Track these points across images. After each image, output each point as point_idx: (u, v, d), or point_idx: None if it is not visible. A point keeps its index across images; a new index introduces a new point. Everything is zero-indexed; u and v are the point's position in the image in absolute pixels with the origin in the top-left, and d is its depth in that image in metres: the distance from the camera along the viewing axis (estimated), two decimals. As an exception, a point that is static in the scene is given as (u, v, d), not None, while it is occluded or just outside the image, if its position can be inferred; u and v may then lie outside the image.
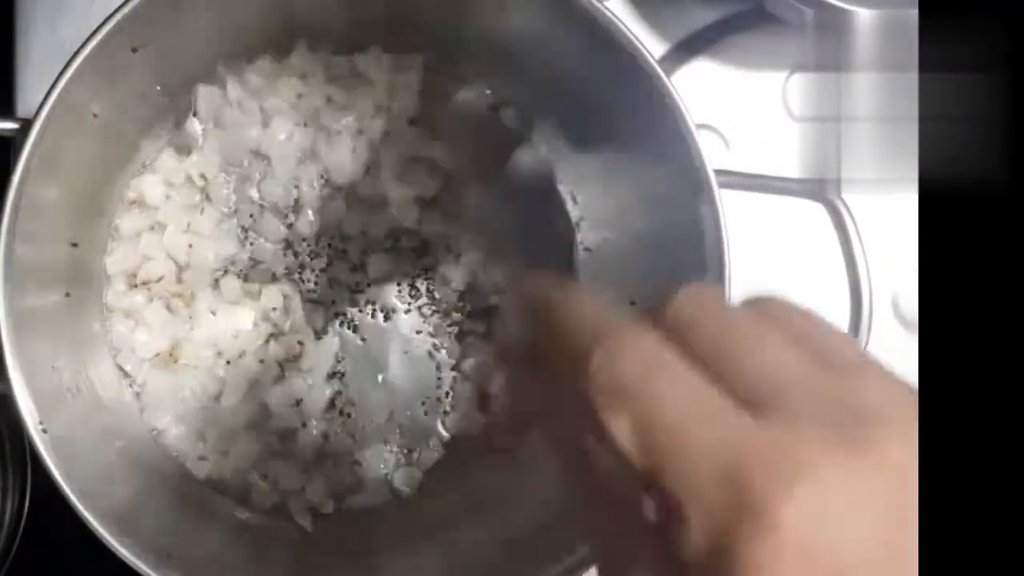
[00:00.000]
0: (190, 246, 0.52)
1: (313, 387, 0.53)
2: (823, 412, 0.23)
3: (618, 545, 0.25)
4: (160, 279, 0.52)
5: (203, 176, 0.52)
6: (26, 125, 0.41)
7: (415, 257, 0.54)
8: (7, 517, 0.52)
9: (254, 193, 0.53)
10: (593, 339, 0.24)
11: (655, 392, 0.23)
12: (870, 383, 0.24)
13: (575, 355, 0.24)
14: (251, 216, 0.53)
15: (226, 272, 0.53)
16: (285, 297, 0.53)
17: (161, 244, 0.52)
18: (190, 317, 0.52)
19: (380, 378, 0.54)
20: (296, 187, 0.53)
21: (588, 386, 0.24)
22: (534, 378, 0.28)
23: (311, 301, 0.53)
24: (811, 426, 0.22)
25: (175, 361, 0.52)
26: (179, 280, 0.52)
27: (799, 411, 0.23)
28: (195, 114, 0.52)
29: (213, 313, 0.52)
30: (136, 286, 0.51)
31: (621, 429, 0.23)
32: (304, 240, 0.53)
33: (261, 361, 0.52)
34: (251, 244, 0.53)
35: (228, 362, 0.52)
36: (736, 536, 0.21)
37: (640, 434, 0.23)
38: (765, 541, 0.21)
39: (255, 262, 0.53)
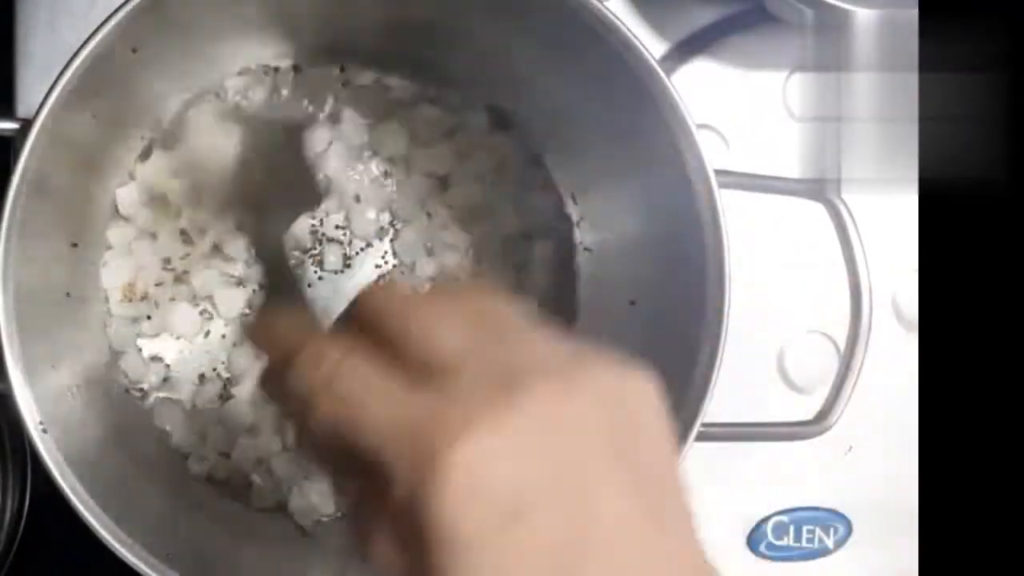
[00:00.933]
0: (183, 257, 0.52)
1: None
2: (482, 371, 0.27)
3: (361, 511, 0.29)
4: (159, 284, 0.52)
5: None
6: (26, 125, 0.41)
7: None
8: (7, 517, 0.52)
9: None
10: (289, 354, 0.29)
11: (337, 390, 0.28)
12: (526, 343, 0.28)
13: (280, 374, 0.29)
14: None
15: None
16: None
17: (153, 251, 0.52)
18: (191, 320, 0.52)
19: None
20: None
21: (297, 390, 0.29)
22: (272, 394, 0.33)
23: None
24: (472, 385, 0.26)
25: (176, 364, 0.52)
26: (176, 283, 0.52)
27: (462, 373, 0.27)
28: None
29: (213, 316, 0.52)
30: (133, 298, 0.51)
31: (322, 427, 0.28)
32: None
33: (257, 357, 0.52)
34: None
35: (228, 360, 0.52)
36: (422, 487, 0.25)
37: (336, 426, 0.27)
38: (440, 488, 0.25)
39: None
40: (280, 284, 0.47)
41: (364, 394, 0.27)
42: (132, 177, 0.51)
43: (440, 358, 0.27)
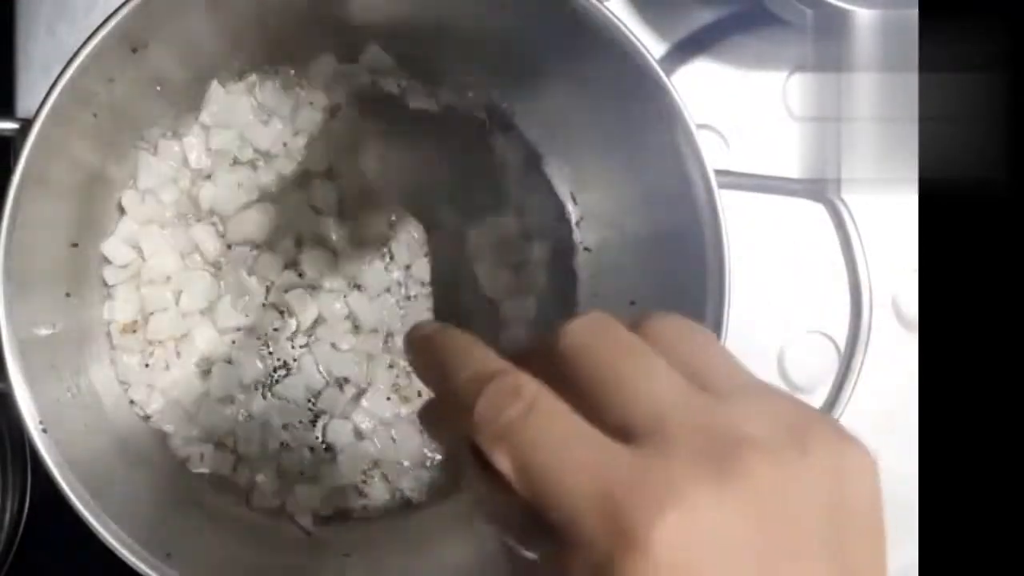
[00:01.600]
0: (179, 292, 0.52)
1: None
2: (695, 437, 0.24)
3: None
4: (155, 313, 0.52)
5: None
6: (26, 125, 0.41)
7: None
8: (7, 517, 0.52)
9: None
10: (477, 385, 0.26)
11: (531, 434, 0.25)
12: (745, 406, 0.25)
13: (462, 403, 0.26)
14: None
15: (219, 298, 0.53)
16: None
17: (150, 287, 0.52)
18: (192, 339, 0.52)
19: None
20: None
21: (473, 429, 0.25)
22: (438, 430, 0.31)
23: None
24: (682, 452, 0.24)
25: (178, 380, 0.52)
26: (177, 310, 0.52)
27: (672, 437, 0.24)
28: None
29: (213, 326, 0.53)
30: (136, 332, 0.52)
31: (506, 470, 0.25)
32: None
33: (259, 362, 0.52)
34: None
35: (229, 362, 0.52)
36: (613, 561, 0.23)
37: (522, 473, 0.25)
38: (639, 564, 0.23)
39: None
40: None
41: (562, 442, 0.25)
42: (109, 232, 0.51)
43: (650, 416, 0.25)
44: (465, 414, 0.26)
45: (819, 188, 0.46)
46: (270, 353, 0.53)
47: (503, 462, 0.25)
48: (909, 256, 0.49)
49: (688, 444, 0.24)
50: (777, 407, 0.26)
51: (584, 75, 0.48)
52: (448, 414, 0.27)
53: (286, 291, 0.53)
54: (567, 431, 0.25)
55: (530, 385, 0.25)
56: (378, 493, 0.53)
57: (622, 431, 0.25)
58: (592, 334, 0.27)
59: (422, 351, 0.29)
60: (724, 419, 0.25)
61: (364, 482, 0.53)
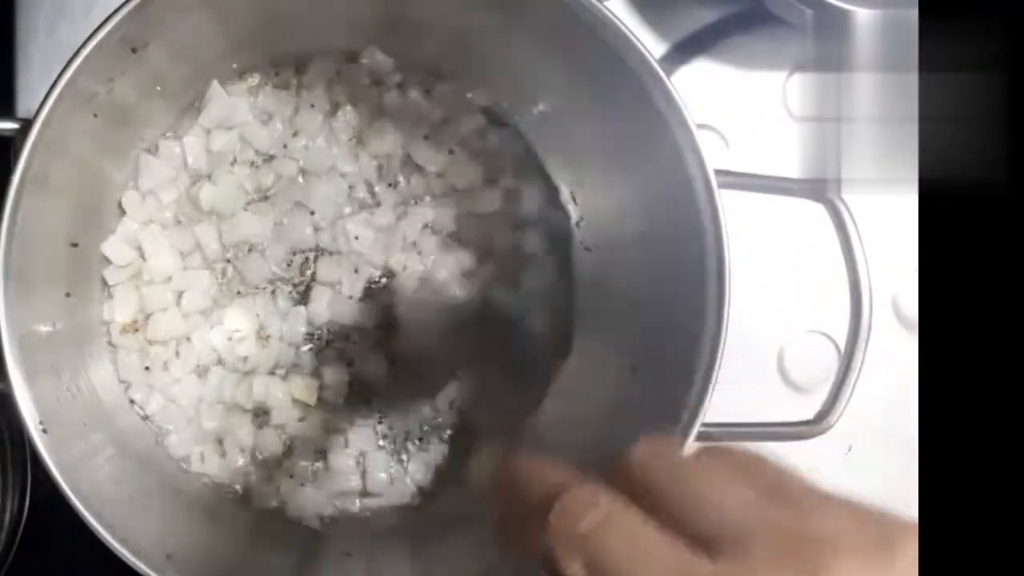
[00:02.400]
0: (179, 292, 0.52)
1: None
2: (776, 547, 0.24)
3: None
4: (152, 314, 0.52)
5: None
6: (26, 125, 0.41)
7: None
8: (7, 517, 0.52)
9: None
10: (552, 496, 0.26)
11: (608, 542, 0.25)
12: (822, 515, 0.25)
13: (537, 515, 0.26)
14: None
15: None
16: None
17: (150, 287, 0.52)
18: (192, 340, 0.52)
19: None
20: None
21: (548, 538, 0.26)
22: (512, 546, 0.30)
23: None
24: (765, 563, 0.23)
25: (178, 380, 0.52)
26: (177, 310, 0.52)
27: (753, 548, 0.24)
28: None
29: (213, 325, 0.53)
30: (136, 332, 0.52)
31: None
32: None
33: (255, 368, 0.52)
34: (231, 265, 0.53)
35: (223, 363, 0.52)
36: None
37: None
38: None
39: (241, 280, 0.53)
40: None
41: (641, 551, 0.25)
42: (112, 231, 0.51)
43: (728, 527, 0.24)
44: (540, 526, 0.26)
45: (819, 188, 0.46)
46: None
47: (577, 571, 0.25)
48: (909, 256, 0.49)
49: (773, 553, 0.24)
50: (858, 513, 0.26)
51: (584, 75, 0.48)
52: (522, 529, 0.27)
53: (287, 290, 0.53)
54: (646, 540, 0.25)
55: (606, 495, 0.26)
56: (381, 480, 0.53)
57: (700, 542, 0.24)
58: (663, 449, 0.27)
59: (501, 475, 0.30)
60: (806, 527, 0.24)
61: (365, 470, 0.53)
